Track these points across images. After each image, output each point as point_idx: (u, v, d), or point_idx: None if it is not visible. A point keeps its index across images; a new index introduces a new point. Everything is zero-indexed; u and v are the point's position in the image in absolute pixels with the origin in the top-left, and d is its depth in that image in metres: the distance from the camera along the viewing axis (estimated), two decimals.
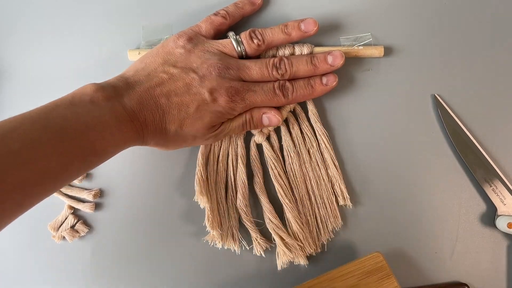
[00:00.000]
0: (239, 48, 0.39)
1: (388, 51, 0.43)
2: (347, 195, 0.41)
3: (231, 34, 0.39)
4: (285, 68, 0.39)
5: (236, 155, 0.42)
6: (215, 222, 0.41)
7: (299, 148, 0.42)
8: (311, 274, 0.42)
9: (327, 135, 0.42)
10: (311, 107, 0.42)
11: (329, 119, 0.43)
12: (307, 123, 0.42)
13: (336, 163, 0.42)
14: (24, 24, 0.46)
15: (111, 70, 0.44)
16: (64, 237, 0.44)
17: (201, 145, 0.42)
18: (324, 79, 0.40)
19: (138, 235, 0.43)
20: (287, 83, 0.39)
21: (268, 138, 0.43)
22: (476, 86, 0.43)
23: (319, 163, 0.42)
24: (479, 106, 0.42)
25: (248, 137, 0.43)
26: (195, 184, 0.41)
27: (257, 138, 0.42)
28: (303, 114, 0.42)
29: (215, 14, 0.41)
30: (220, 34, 0.41)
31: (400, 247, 0.42)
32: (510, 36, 0.43)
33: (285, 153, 0.42)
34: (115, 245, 0.44)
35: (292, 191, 0.42)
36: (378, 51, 0.42)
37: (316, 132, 0.42)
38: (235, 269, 0.43)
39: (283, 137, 0.42)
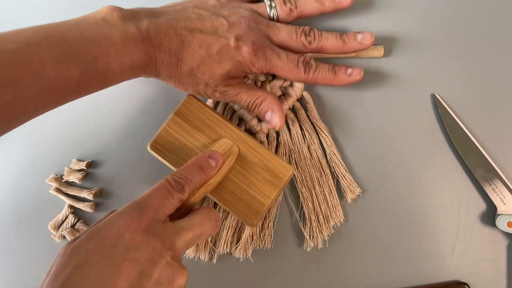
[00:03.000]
0: (271, 11, 0.39)
1: (388, 51, 0.43)
2: (356, 186, 0.42)
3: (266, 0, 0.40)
4: (314, 35, 0.38)
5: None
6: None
7: (299, 144, 0.42)
8: (311, 272, 0.42)
9: (328, 131, 0.42)
10: (310, 105, 0.42)
11: (329, 118, 0.43)
12: (307, 119, 0.42)
13: (340, 159, 0.42)
14: (24, 24, 0.46)
15: None
16: (64, 237, 0.43)
17: None
18: (349, 70, 0.39)
19: None
20: (312, 61, 0.38)
21: (267, 136, 0.43)
22: (476, 86, 0.43)
23: (320, 159, 0.42)
24: (479, 106, 0.43)
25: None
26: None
27: (257, 136, 0.42)
28: (303, 111, 0.42)
29: None
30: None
31: (400, 247, 0.42)
32: (510, 36, 0.43)
33: (284, 150, 0.42)
34: None
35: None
36: (378, 51, 0.42)
37: (317, 128, 0.42)
38: (233, 268, 0.43)
39: (281, 134, 0.42)
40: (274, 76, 0.43)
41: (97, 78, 0.33)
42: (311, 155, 0.42)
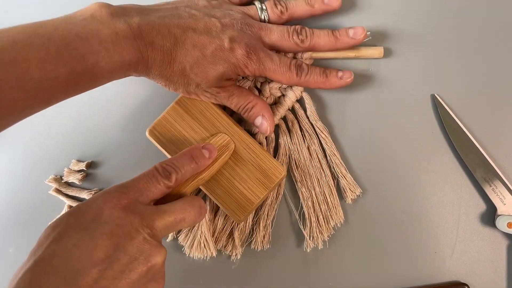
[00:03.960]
0: (262, 14, 0.39)
1: (388, 51, 0.43)
2: (356, 187, 0.42)
3: (256, 1, 0.40)
4: (306, 34, 0.38)
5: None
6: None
7: (299, 145, 0.42)
8: (310, 272, 0.42)
9: (327, 132, 0.42)
10: (310, 106, 0.42)
11: (329, 119, 0.43)
12: (306, 120, 0.42)
13: (340, 159, 0.42)
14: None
15: None
16: None
17: None
18: (340, 73, 0.39)
19: None
20: (304, 64, 0.39)
21: (266, 137, 0.43)
22: (476, 86, 0.43)
23: (320, 159, 0.42)
24: (479, 106, 0.42)
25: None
26: None
27: (256, 137, 0.42)
28: (302, 112, 0.42)
29: None
30: (245, 2, 0.41)
31: (400, 247, 0.42)
32: (510, 36, 0.43)
33: (284, 151, 0.42)
34: None
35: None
36: (378, 52, 0.42)
37: (317, 129, 0.42)
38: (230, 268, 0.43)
39: (281, 135, 0.42)
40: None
41: (86, 77, 0.32)
42: (311, 156, 0.42)
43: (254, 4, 0.40)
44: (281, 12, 0.39)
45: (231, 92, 0.38)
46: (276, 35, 0.38)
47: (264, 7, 0.39)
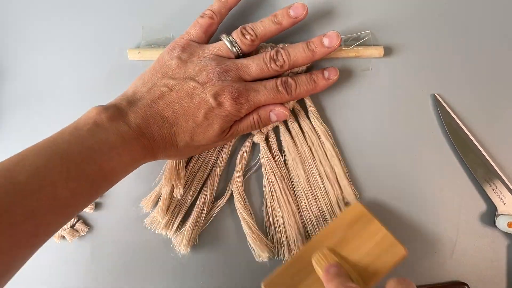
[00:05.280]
0: (234, 49, 0.38)
1: (388, 51, 0.43)
2: (354, 190, 0.42)
3: (223, 36, 0.39)
4: (283, 58, 0.38)
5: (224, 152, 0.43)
6: (164, 208, 0.41)
7: (300, 146, 0.42)
8: None
9: (328, 132, 0.42)
10: (310, 106, 0.42)
11: (329, 119, 0.43)
12: (307, 121, 0.42)
13: (341, 159, 0.42)
14: (24, 24, 0.46)
15: (111, 70, 0.44)
16: (64, 237, 0.43)
17: None
18: (326, 73, 0.40)
19: (138, 235, 0.43)
20: (290, 80, 0.39)
21: (266, 138, 0.43)
22: (476, 86, 0.43)
23: (321, 160, 0.42)
24: (479, 106, 0.43)
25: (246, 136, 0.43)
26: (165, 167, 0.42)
27: (256, 138, 0.42)
28: (303, 113, 0.42)
29: (202, 16, 0.40)
30: (212, 34, 0.41)
31: None
32: (510, 36, 0.43)
33: (285, 152, 0.42)
34: (115, 245, 0.44)
35: (294, 190, 0.42)
36: (378, 51, 0.42)
37: (317, 130, 0.42)
38: (231, 272, 0.43)
39: (282, 136, 0.42)
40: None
41: (106, 183, 0.33)
42: (312, 156, 0.42)
43: (221, 39, 0.39)
44: (251, 40, 0.38)
45: (236, 128, 0.39)
46: (255, 69, 0.38)
47: (232, 39, 0.38)
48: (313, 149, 0.42)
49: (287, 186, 0.42)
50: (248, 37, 0.38)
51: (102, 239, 0.44)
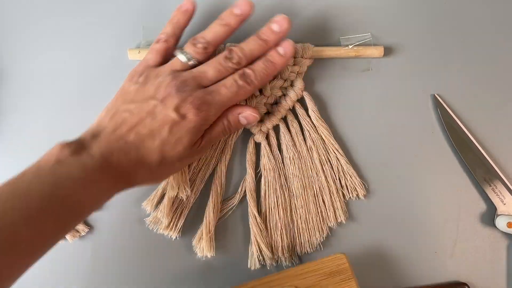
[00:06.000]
0: (190, 61, 0.37)
1: (388, 51, 0.43)
2: (362, 184, 0.42)
3: (177, 51, 0.38)
4: (237, 55, 0.37)
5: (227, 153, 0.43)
6: (168, 209, 0.41)
7: (300, 145, 0.42)
8: None
9: (329, 131, 0.42)
10: (311, 105, 0.42)
11: (329, 119, 0.43)
12: (308, 119, 0.42)
13: (341, 158, 0.42)
14: (24, 24, 0.46)
15: (111, 70, 0.44)
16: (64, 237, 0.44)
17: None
18: (281, 50, 0.38)
19: (138, 235, 0.43)
20: (246, 70, 0.37)
21: (267, 137, 0.43)
22: (476, 86, 0.43)
23: (321, 159, 0.42)
24: (479, 106, 0.43)
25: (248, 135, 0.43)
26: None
27: (257, 137, 0.42)
28: (303, 110, 0.42)
29: (157, 42, 0.39)
30: (169, 56, 0.39)
31: (400, 247, 0.42)
32: (510, 36, 0.43)
33: (284, 151, 0.42)
34: (115, 245, 0.44)
35: (292, 190, 0.42)
36: (378, 51, 0.42)
37: (318, 129, 0.42)
38: (231, 274, 0.43)
39: (282, 135, 0.42)
40: (273, 77, 0.43)
41: (73, 217, 0.32)
42: (312, 155, 0.42)
43: (175, 55, 0.38)
44: (204, 48, 0.37)
45: (208, 137, 0.38)
46: (212, 73, 0.37)
47: (185, 52, 0.37)
48: (313, 148, 0.42)
49: (282, 186, 0.42)
50: (199, 45, 0.37)
51: (102, 239, 0.44)
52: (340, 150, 0.42)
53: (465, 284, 0.41)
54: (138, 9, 0.45)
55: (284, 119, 0.43)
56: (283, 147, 0.42)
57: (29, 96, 0.45)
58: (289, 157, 0.42)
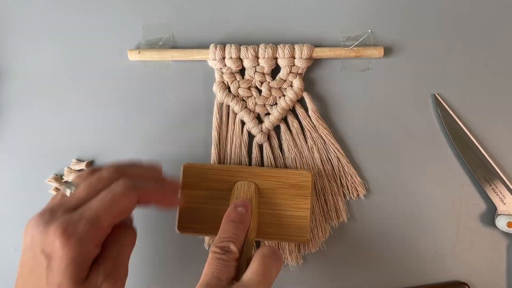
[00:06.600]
0: (70, 193, 0.31)
1: (388, 51, 0.43)
2: (362, 184, 0.42)
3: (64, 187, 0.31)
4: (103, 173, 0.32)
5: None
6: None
7: (301, 145, 0.42)
8: (305, 271, 0.42)
9: (329, 131, 0.42)
10: (311, 106, 0.42)
11: (329, 119, 0.43)
12: (308, 119, 0.42)
13: (342, 158, 0.42)
14: (24, 24, 0.46)
15: (111, 70, 0.44)
16: None
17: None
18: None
19: (138, 235, 0.43)
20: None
21: (268, 137, 0.43)
22: (476, 86, 0.43)
23: (321, 159, 0.42)
24: (479, 106, 0.43)
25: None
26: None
27: (258, 138, 0.42)
28: (303, 110, 0.42)
29: None
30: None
31: (400, 247, 0.42)
32: (510, 36, 0.43)
33: (286, 151, 0.42)
34: None
35: None
36: (378, 52, 0.42)
37: (318, 129, 0.42)
38: None
39: (283, 135, 0.42)
40: (273, 77, 0.43)
41: None
42: (313, 155, 0.42)
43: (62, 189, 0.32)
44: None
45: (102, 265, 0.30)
46: (81, 191, 0.30)
47: (70, 186, 0.31)
48: (314, 148, 0.42)
49: None
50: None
51: None
52: (340, 150, 0.42)
53: (465, 284, 0.41)
54: (138, 9, 0.45)
55: (285, 120, 0.43)
56: (285, 147, 0.42)
57: (29, 96, 0.45)
58: (291, 157, 0.42)
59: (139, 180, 0.32)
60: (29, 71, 0.45)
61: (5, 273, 0.44)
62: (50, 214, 0.29)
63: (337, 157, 0.42)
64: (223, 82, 0.42)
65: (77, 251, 0.27)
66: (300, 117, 0.42)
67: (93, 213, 0.28)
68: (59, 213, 0.29)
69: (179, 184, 0.39)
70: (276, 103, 0.43)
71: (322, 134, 0.42)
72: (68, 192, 0.30)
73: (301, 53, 0.41)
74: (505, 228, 0.40)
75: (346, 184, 0.42)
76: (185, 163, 0.39)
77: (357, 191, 0.42)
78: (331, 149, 0.42)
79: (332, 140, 0.42)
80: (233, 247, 0.32)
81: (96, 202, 0.29)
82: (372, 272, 0.42)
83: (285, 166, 0.42)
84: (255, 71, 0.42)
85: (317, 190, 0.42)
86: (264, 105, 0.42)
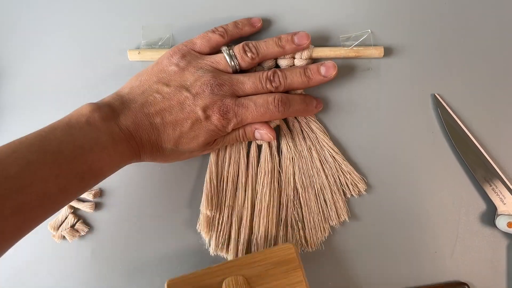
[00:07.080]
0: (232, 63, 0.38)
1: (388, 51, 0.43)
2: (361, 179, 0.42)
3: (224, 48, 0.39)
4: (279, 80, 0.38)
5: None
6: (207, 228, 0.42)
7: (301, 145, 0.42)
8: (310, 272, 0.42)
9: (322, 129, 0.42)
10: None
11: (329, 119, 0.43)
12: (304, 120, 0.42)
13: (342, 158, 0.42)
14: (24, 24, 0.46)
15: (111, 70, 0.44)
16: (64, 237, 0.43)
17: (211, 154, 0.42)
18: (323, 70, 0.39)
19: (138, 235, 0.43)
20: (282, 97, 0.38)
21: (269, 142, 0.43)
22: (476, 86, 0.43)
23: (321, 159, 0.42)
24: (479, 106, 0.43)
25: None
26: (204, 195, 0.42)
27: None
28: None
29: (213, 31, 0.40)
30: (215, 51, 0.40)
31: (400, 247, 0.42)
32: (510, 36, 0.43)
33: (285, 151, 0.42)
34: (115, 245, 0.44)
35: (293, 191, 0.42)
36: (378, 52, 0.42)
37: (317, 129, 0.42)
38: None
39: (283, 136, 0.42)
40: None
41: (93, 181, 0.34)
42: (312, 156, 0.42)
43: (221, 51, 0.39)
44: (252, 58, 0.39)
45: (221, 140, 0.40)
46: (249, 86, 0.38)
47: (233, 54, 0.39)
48: (312, 147, 0.42)
49: (273, 189, 0.42)
50: (249, 54, 0.39)
51: (102, 239, 0.44)
52: (334, 148, 0.42)
53: (465, 284, 0.41)
54: (138, 9, 0.45)
55: (285, 120, 0.43)
56: (284, 147, 0.42)
57: (29, 96, 0.45)
58: (290, 157, 0.42)
59: (291, 97, 0.39)
60: (30, 72, 0.45)
61: (5, 273, 0.44)
62: (219, 86, 0.37)
63: (332, 156, 0.42)
64: None
65: (222, 128, 0.37)
66: (298, 118, 0.43)
67: (247, 116, 0.37)
68: (226, 92, 0.37)
69: (320, 103, 0.42)
70: None
71: (315, 133, 0.42)
72: (229, 61, 0.38)
73: (301, 53, 0.41)
74: (505, 228, 0.40)
75: (346, 182, 0.42)
76: (168, 280, 0.37)
77: (358, 188, 0.42)
78: (326, 148, 0.42)
79: (325, 139, 0.42)
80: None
81: (253, 110, 0.37)
82: (373, 272, 0.42)
83: (280, 168, 0.42)
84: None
85: (316, 189, 0.42)
86: None
